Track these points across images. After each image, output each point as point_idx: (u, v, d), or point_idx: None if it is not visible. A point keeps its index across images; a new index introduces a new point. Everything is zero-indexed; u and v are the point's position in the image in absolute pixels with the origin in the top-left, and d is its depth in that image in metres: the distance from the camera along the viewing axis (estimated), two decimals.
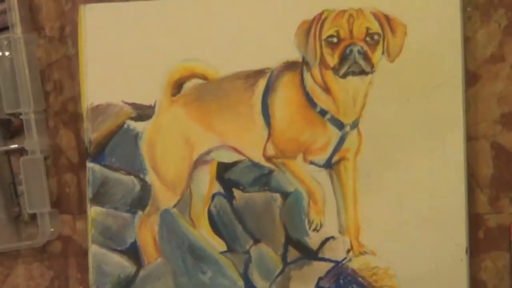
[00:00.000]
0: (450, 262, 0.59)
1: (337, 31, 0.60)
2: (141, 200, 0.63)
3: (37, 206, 0.64)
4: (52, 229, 0.65)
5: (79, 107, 0.66)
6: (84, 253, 0.65)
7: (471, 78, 0.60)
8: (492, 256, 0.60)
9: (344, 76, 0.60)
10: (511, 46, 0.60)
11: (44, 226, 0.64)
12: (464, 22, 0.59)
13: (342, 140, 0.60)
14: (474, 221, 0.60)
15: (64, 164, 0.67)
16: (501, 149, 0.60)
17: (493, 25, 0.60)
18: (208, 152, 0.63)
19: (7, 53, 0.64)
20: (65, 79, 0.67)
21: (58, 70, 0.67)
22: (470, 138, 0.60)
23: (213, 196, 0.62)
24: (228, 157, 0.62)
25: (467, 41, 0.60)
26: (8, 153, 0.68)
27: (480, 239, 0.60)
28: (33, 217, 0.67)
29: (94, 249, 0.64)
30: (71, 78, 0.67)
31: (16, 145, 0.67)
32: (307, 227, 0.61)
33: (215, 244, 0.62)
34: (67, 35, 0.67)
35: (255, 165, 0.62)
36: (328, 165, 0.61)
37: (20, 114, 0.64)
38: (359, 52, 0.60)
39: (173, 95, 0.63)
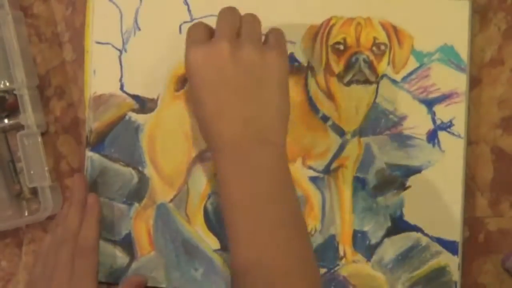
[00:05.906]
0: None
1: (344, 39, 0.61)
2: (138, 192, 0.63)
3: (37, 180, 0.63)
4: (54, 204, 0.64)
5: (79, 113, 0.66)
6: None
7: (471, 82, 0.60)
8: (493, 259, 0.60)
9: (348, 84, 0.61)
10: (510, 50, 0.60)
11: (46, 200, 0.63)
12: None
13: (342, 147, 0.61)
14: (475, 224, 0.60)
15: (65, 169, 0.66)
16: (502, 153, 0.60)
17: (493, 29, 0.60)
18: (208, 150, 0.63)
19: None
20: (65, 85, 0.66)
21: (58, 76, 0.66)
22: (471, 142, 0.60)
23: (210, 194, 0.63)
24: None
25: None
26: (5, 131, 0.68)
27: (481, 242, 0.61)
28: (34, 193, 0.66)
29: None
30: (71, 84, 0.66)
31: (12, 121, 0.66)
32: None
33: (209, 242, 0.62)
34: (67, 40, 0.66)
35: None
36: (327, 171, 0.61)
37: (13, 90, 0.64)
38: (364, 61, 0.60)
39: (177, 90, 0.63)
